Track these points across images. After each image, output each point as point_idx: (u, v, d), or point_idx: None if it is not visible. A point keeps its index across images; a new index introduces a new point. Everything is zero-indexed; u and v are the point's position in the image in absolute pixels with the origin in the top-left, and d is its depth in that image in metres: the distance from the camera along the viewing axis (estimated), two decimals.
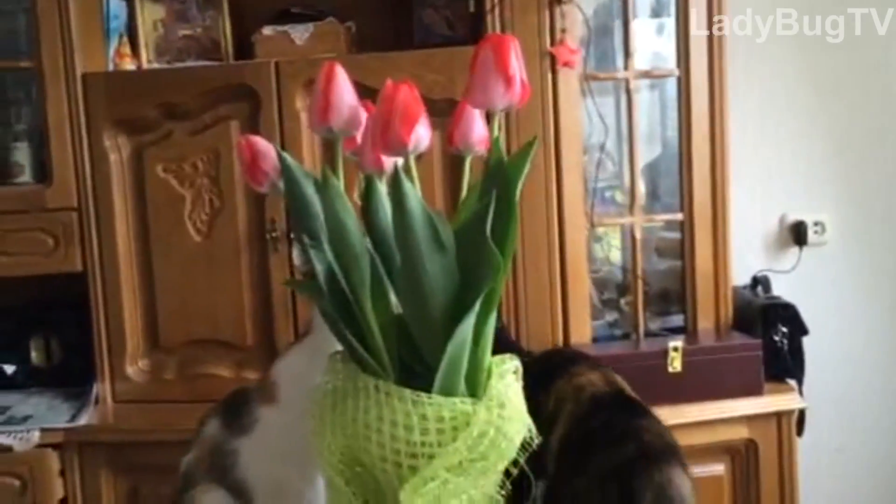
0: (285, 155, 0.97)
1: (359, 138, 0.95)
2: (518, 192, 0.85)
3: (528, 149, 0.84)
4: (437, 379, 0.88)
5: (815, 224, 2.40)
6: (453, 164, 1.91)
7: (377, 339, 0.89)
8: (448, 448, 0.85)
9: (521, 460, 0.87)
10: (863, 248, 2.43)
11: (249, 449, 1.21)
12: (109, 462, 2.07)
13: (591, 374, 1.36)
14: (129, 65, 2.17)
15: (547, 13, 1.94)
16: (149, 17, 2.20)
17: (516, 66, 0.83)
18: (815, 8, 2.32)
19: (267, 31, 2.13)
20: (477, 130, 0.91)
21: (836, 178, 2.41)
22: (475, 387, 0.92)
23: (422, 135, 0.82)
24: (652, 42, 2.18)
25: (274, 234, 2.07)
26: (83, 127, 2.07)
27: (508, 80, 0.83)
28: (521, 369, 0.94)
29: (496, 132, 0.86)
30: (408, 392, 0.87)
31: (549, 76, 1.97)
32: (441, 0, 2.17)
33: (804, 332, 2.14)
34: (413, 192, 0.82)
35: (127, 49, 2.17)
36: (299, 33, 2.10)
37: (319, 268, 0.89)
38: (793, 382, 2.15)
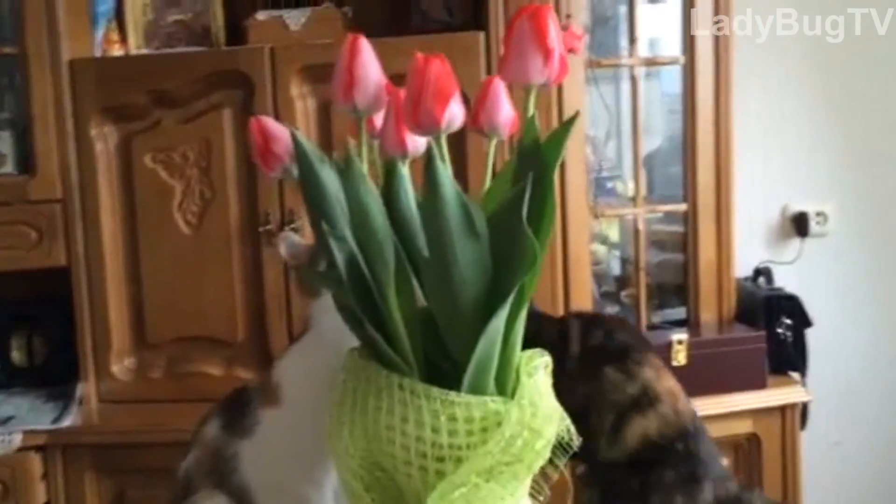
0: (300, 137, 0.91)
1: (376, 119, 0.89)
2: (555, 176, 0.79)
3: (567, 128, 0.79)
4: (467, 377, 0.82)
5: (818, 215, 2.36)
6: (453, 154, 1.85)
7: (401, 334, 0.83)
8: (479, 451, 0.79)
9: (562, 464, 0.82)
10: (865, 240, 2.40)
11: (251, 452, 1.15)
12: (94, 465, 2.00)
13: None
14: (117, 51, 2.09)
15: None
16: (138, 2, 2.12)
17: (556, 38, 0.77)
18: (815, 7, 2.29)
19: (260, 15, 2.06)
20: (504, 111, 0.85)
21: (839, 168, 2.38)
22: (504, 384, 0.86)
23: (455, 112, 0.76)
24: (650, 29, 2.14)
25: (268, 227, 2.00)
26: (69, 115, 1.99)
27: (547, 53, 0.77)
28: (550, 364, 0.89)
29: (531, 110, 0.81)
30: (436, 390, 0.81)
31: None
32: None
33: (808, 323, 2.11)
34: (447, 175, 0.76)
35: (115, 35, 2.09)
36: (294, 18, 2.03)
37: (339, 256, 0.83)
38: (796, 375, 2.12)
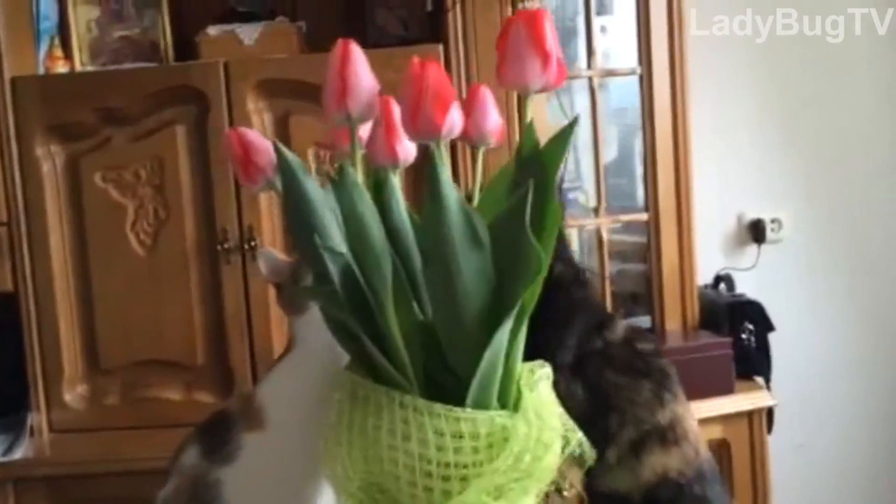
0: (283, 148, 0.87)
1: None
2: (556, 182, 0.78)
3: (569, 132, 0.77)
4: (471, 391, 0.79)
5: (773, 221, 2.40)
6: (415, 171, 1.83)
7: (401, 349, 0.80)
8: (488, 468, 0.77)
9: (579, 478, 0.80)
10: (819, 244, 2.45)
11: (234, 479, 1.10)
12: (49, 498, 1.92)
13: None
14: (61, 68, 2.01)
15: (509, 9, 1.88)
16: (82, 18, 2.06)
17: (552, 42, 0.76)
18: (765, 8, 2.33)
19: (212, 31, 2.01)
20: (492, 118, 0.84)
21: (792, 175, 2.43)
22: (506, 398, 0.84)
23: (455, 118, 0.74)
24: (603, 41, 2.15)
25: (226, 245, 1.95)
26: (12, 135, 1.91)
27: (546, 57, 0.75)
28: (551, 375, 0.86)
29: (529, 116, 0.79)
30: (439, 407, 0.78)
31: None
32: (395, 0, 2.09)
33: (770, 328, 2.14)
34: (450, 182, 0.73)
35: (59, 51, 2.02)
36: (247, 33, 1.98)
37: (334, 270, 0.79)
38: (760, 380, 2.14)
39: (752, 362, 2.11)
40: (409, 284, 0.81)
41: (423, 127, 0.73)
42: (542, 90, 0.78)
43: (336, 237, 0.87)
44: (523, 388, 0.84)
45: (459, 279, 0.76)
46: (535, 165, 0.78)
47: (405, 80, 0.75)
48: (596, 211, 2.12)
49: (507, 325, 0.78)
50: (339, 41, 0.77)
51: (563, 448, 0.81)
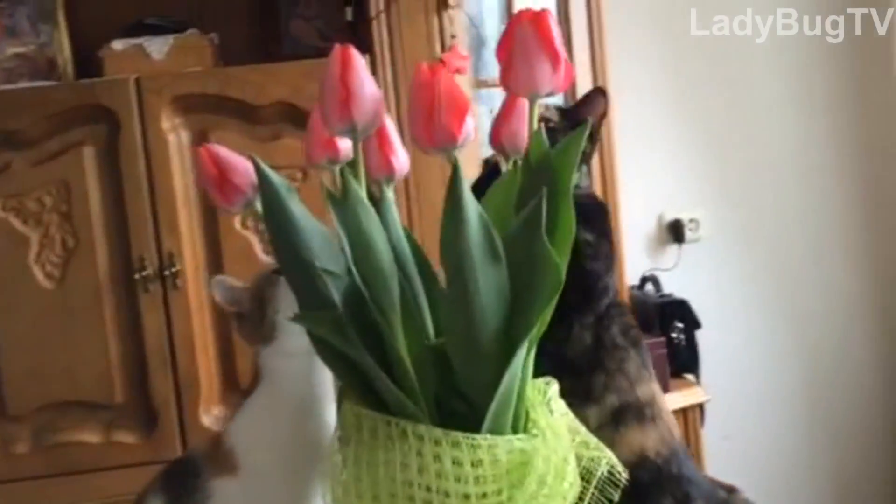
0: (263, 165, 0.80)
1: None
2: (571, 191, 0.74)
3: (580, 135, 0.73)
4: (488, 417, 0.75)
5: (691, 221, 2.45)
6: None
7: (412, 376, 0.74)
8: (517, 494, 0.72)
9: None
10: (736, 243, 2.51)
11: None
12: None
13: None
14: None
15: (435, 19, 1.84)
16: None
17: (560, 43, 0.72)
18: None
19: (117, 45, 1.88)
20: (525, 130, 0.79)
21: (708, 175, 2.48)
22: (517, 420, 0.79)
23: (470, 126, 0.69)
24: None
25: (144, 274, 1.82)
26: None
27: (556, 59, 0.71)
28: (556, 389, 0.82)
29: (536, 123, 0.75)
30: (459, 435, 0.73)
31: None
32: (311, 10, 2.01)
33: (698, 326, 2.18)
34: (470, 193, 0.69)
35: None
36: (157, 47, 1.87)
37: (335, 294, 0.73)
38: (691, 377, 2.18)
39: (684, 360, 2.15)
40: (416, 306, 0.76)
41: (438, 136, 0.68)
42: (550, 94, 0.74)
43: (325, 258, 0.81)
44: (537, 408, 0.80)
45: (478, 298, 0.71)
46: (546, 173, 0.74)
47: (412, 86, 0.69)
48: None
49: (525, 346, 0.74)
50: (337, 46, 0.71)
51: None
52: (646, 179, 2.41)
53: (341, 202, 0.72)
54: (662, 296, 2.24)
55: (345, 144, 0.80)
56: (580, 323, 1.05)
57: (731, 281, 2.50)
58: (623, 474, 0.76)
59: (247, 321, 1.02)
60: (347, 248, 0.72)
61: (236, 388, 1.83)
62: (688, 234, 2.45)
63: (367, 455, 0.76)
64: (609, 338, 1.06)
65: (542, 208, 0.71)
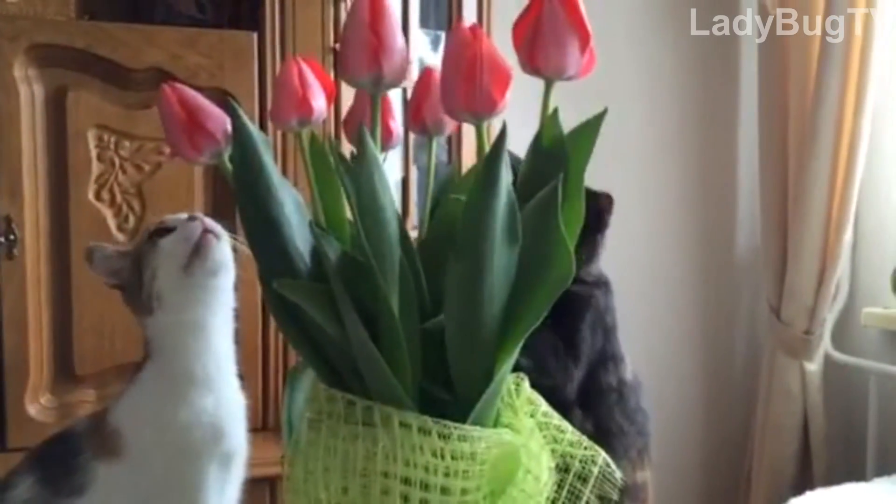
0: (241, 112, 0.72)
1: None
2: (583, 178, 0.71)
3: (598, 121, 0.71)
4: (476, 409, 0.70)
5: None
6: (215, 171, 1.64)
7: (404, 358, 0.68)
8: (509, 489, 0.68)
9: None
10: None
11: None
12: None
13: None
14: None
15: (331, 8, 1.77)
16: None
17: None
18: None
19: None
20: None
21: None
22: (498, 414, 0.75)
23: (507, 98, 0.65)
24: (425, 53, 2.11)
25: (10, 238, 1.60)
26: None
27: (585, 39, 0.69)
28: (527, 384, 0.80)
29: (551, 105, 0.72)
30: (451, 426, 0.68)
31: (333, 74, 1.79)
32: None
33: None
34: (508, 169, 0.64)
35: None
36: None
37: (333, 258, 0.66)
38: None
39: None
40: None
41: (478, 101, 0.63)
42: (571, 77, 0.71)
43: (297, 224, 0.73)
44: (517, 401, 0.77)
45: (490, 277, 0.66)
46: (559, 158, 0.71)
47: (449, 47, 0.64)
48: None
49: (524, 334, 0.70)
50: None
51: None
52: None
53: (357, 161, 0.65)
54: None
55: (318, 104, 0.74)
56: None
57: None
58: (617, 473, 0.74)
59: (129, 290, 0.94)
60: (357, 215, 0.65)
61: (71, 377, 1.64)
62: None
63: (342, 444, 0.69)
64: (614, 421, 1.12)
65: (557, 194, 0.68)
